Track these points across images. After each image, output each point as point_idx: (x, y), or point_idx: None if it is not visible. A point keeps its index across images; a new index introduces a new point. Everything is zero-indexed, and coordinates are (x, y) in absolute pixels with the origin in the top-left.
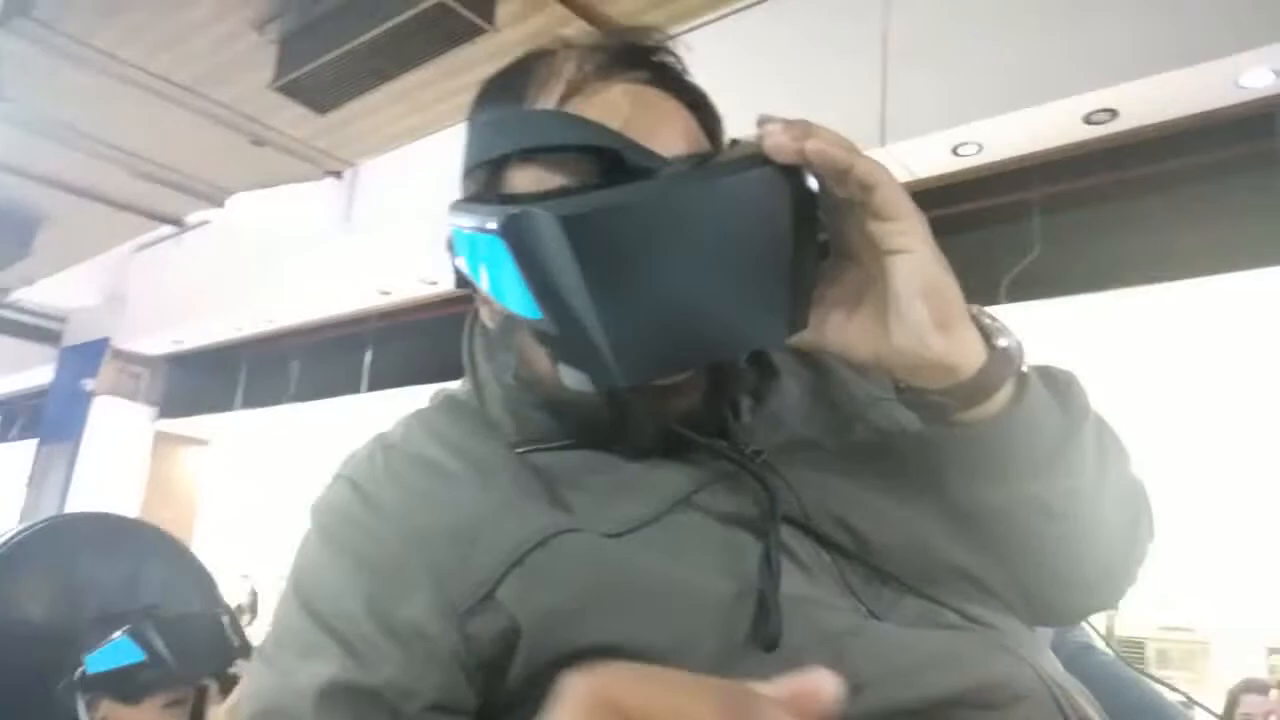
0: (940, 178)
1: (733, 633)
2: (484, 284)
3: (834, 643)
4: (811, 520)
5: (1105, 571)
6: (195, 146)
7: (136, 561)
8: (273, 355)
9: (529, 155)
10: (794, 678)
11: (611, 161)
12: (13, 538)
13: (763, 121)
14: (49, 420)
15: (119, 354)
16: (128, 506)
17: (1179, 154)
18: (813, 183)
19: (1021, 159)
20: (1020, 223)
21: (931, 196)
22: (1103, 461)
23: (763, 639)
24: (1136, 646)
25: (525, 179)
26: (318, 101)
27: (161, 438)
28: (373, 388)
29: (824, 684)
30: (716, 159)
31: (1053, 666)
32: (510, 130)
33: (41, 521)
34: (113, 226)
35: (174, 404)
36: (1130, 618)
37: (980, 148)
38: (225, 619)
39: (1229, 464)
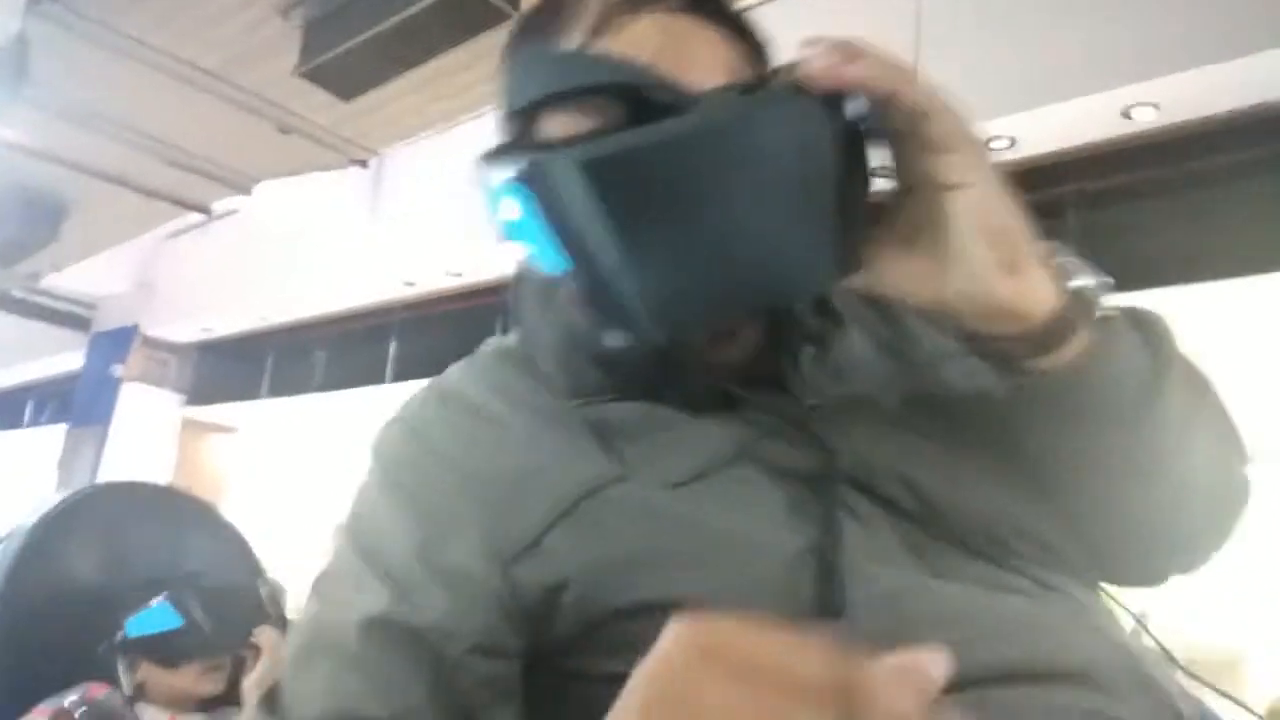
0: None
1: (795, 592)
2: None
3: (895, 604)
4: (874, 478)
5: (1194, 530)
6: (222, 133)
7: (181, 530)
8: (298, 345)
9: (559, 100)
10: (906, 653)
11: (637, 101)
12: (66, 500)
13: (806, 44)
14: (79, 405)
15: (148, 341)
16: None
17: (1221, 150)
18: (858, 109)
19: (1058, 154)
20: (1055, 220)
21: None
22: (1194, 410)
23: (826, 605)
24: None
25: (555, 125)
26: (343, 88)
27: (189, 424)
28: (397, 379)
29: (935, 662)
30: (751, 90)
31: (1127, 638)
32: (537, 74)
33: (92, 487)
34: (140, 213)
35: (202, 391)
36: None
37: (1013, 142)
38: (264, 591)
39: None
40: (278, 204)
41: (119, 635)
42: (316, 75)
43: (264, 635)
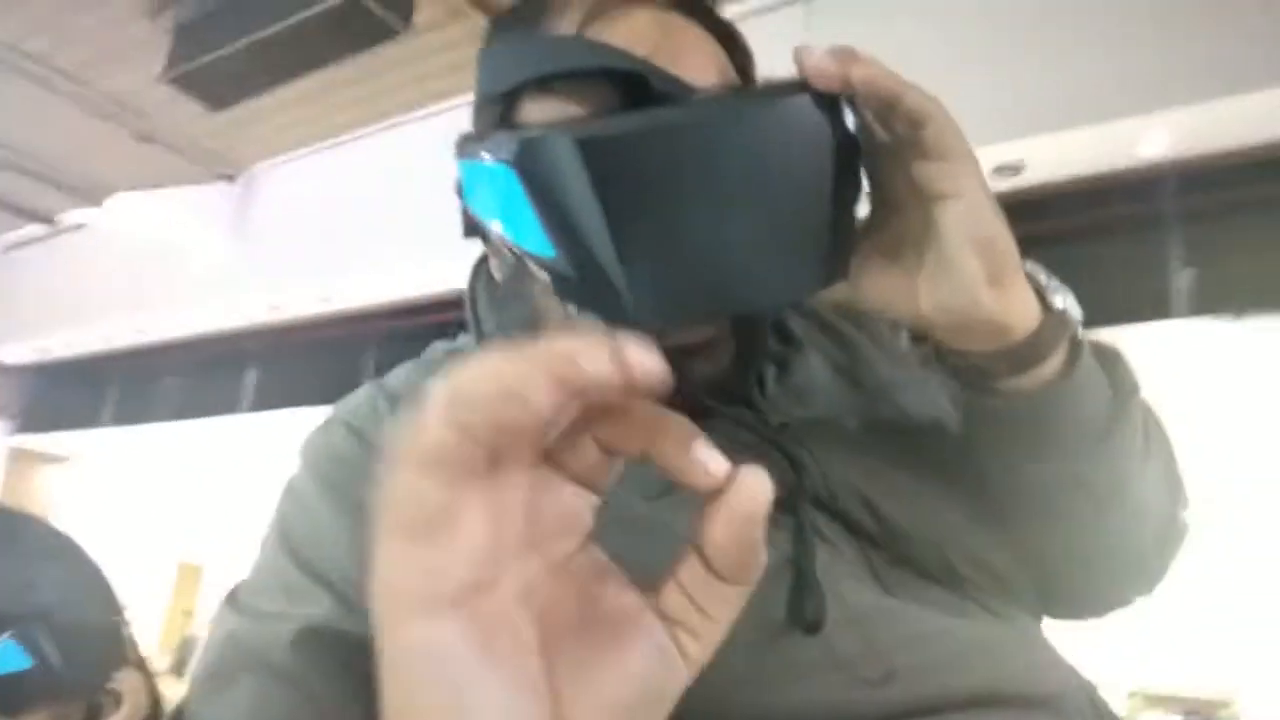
0: None
1: (768, 607)
2: (494, 226)
3: (864, 624)
4: (838, 499)
5: (1141, 561)
6: (73, 138)
7: (28, 561)
8: (147, 369)
9: (545, 85)
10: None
11: (637, 89)
12: None
13: (801, 49)
14: None
15: None
16: None
17: (1079, 211)
18: (852, 117)
19: None
20: None
21: None
22: (1148, 444)
23: (801, 621)
24: None
25: (541, 110)
26: (212, 97)
27: (18, 454)
28: (256, 408)
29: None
30: (751, 89)
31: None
32: (525, 58)
33: None
34: None
35: (35, 419)
36: None
37: None
38: (124, 629)
39: None
40: (131, 217)
41: None
42: (184, 82)
43: (127, 680)
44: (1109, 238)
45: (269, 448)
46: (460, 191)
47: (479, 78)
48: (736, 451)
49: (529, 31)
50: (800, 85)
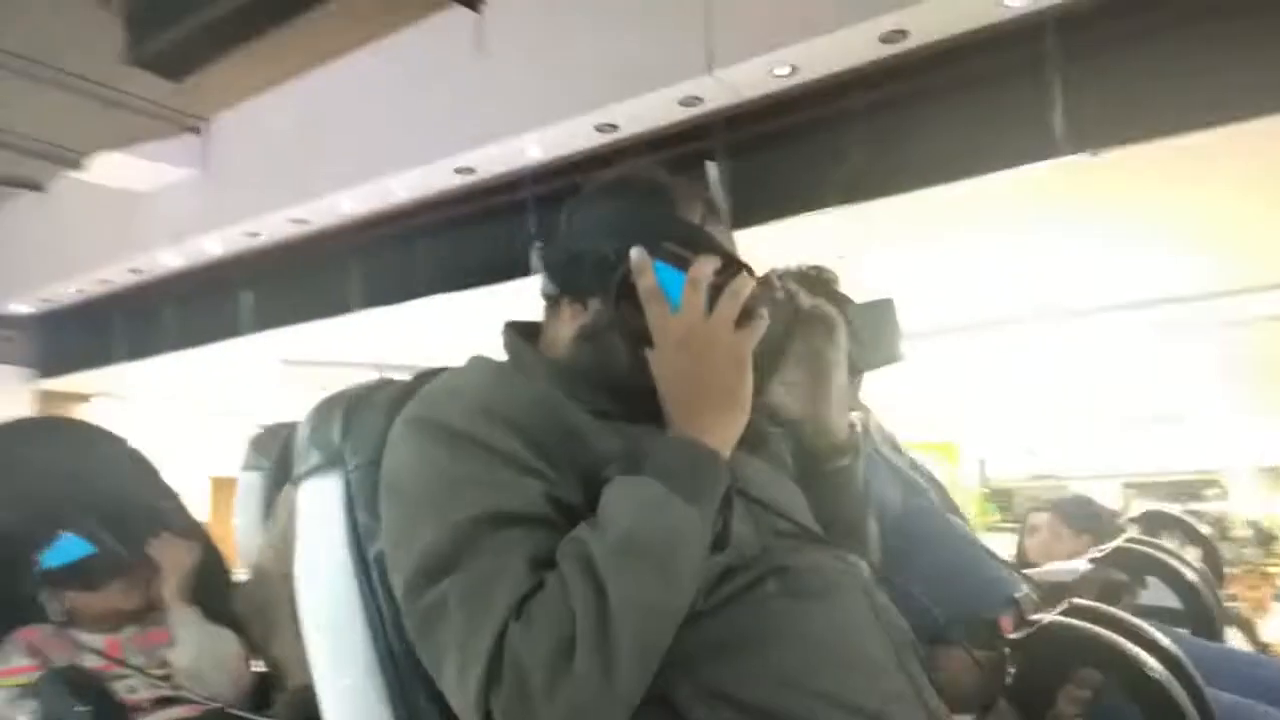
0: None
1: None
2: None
3: (749, 542)
4: (749, 491)
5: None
6: (47, 113)
7: (81, 457)
8: (146, 305)
9: (686, 242)
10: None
11: (736, 267)
12: None
13: (786, 285)
14: None
15: None
16: None
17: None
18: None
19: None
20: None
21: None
22: (874, 518)
23: (719, 541)
24: (1006, 495)
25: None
26: (171, 71)
27: (47, 396)
28: (256, 328)
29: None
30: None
31: (877, 593)
32: (673, 223)
33: None
34: None
35: (53, 363)
36: (1000, 470)
37: (793, 69)
38: (167, 504)
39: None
40: (111, 170)
41: (37, 570)
42: (143, 61)
43: (164, 546)
44: (987, 88)
45: (268, 363)
46: (572, 267)
47: (624, 211)
48: None
49: (670, 206)
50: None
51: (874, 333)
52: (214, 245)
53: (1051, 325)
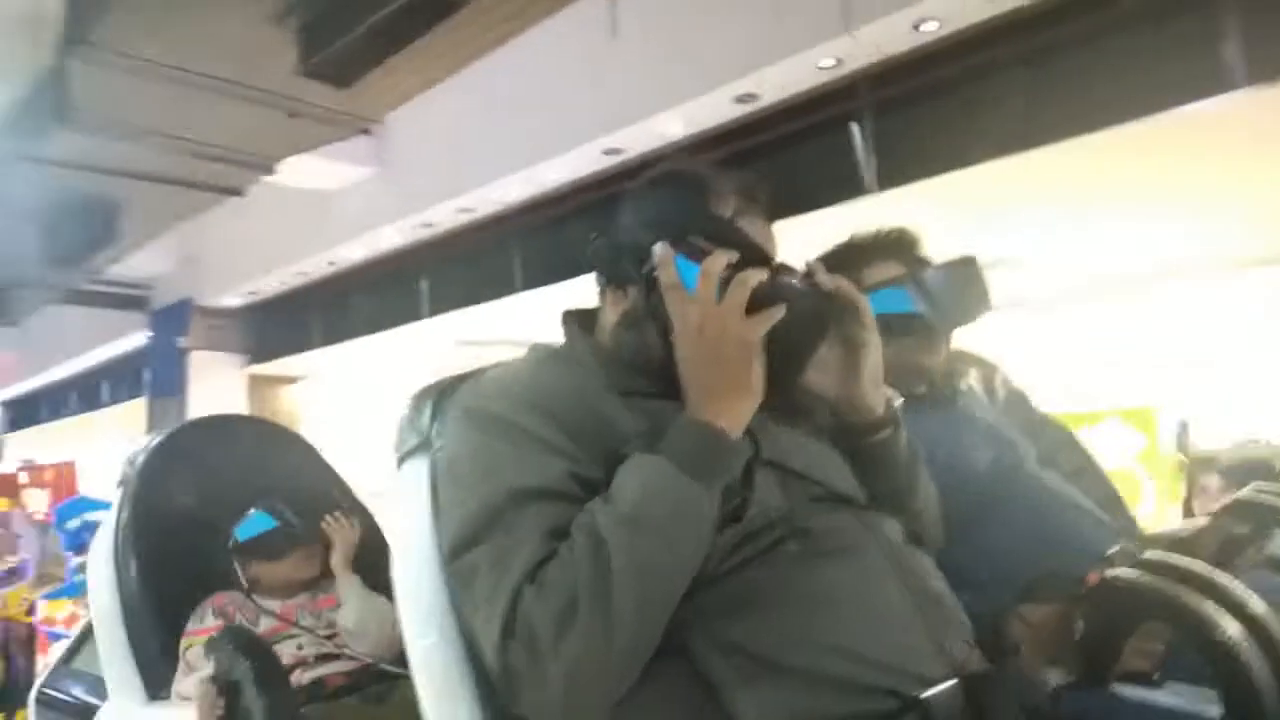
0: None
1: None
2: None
3: (781, 507)
4: (781, 461)
5: (933, 540)
6: (240, 126)
7: (262, 448)
8: (338, 294)
9: (712, 235)
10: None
11: (762, 263)
12: (156, 443)
13: (812, 270)
14: (154, 377)
15: (203, 311)
16: None
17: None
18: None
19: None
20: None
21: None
22: (927, 483)
23: (737, 513)
24: (1209, 462)
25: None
26: (338, 80)
27: (257, 380)
28: (433, 313)
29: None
30: (802, 281)
31: (903, 551)
32: (705, 220)
33: (179, 425)
34: (183, 203)
35: (260, 349)
36: (1208, 436)
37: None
38: (335, 488)
39: None
40: (300, 173)
41: (231, 542)
42: (313, 73)
43: (333, 524)
44: (1148, 22)
45: (445, 344)
46: (645, 262)
47: (662, 200)
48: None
49: (702, 201)
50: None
51: (956, 292)
52: (393, 237)
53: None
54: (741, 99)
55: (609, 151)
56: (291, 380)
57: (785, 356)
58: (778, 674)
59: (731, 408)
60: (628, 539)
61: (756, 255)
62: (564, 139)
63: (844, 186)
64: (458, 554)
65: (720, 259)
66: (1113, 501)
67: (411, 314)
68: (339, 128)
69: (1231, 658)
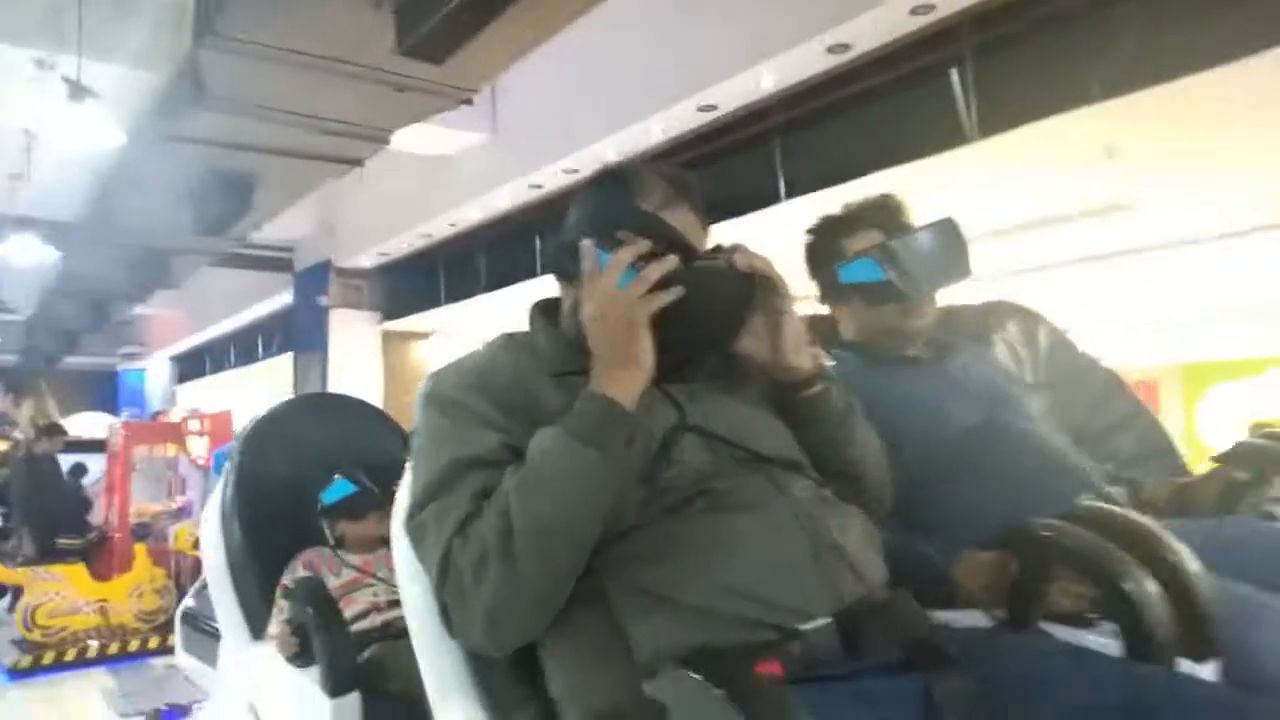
0: None
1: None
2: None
3: (705, 468)
4: (705, 427)
5: (875, 492)
6: (354, 102)
7: (346, 423)
8: (462, 254)
9: (639, 230)
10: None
11: (681, 249)
12: (257, 419)
13: (733, 249)
14: (298, 333)
15: (340, 271)
16: (372, 397)
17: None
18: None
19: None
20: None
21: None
22: (866, 434)
23: (656, 469)
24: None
25: (630, 243)
26: (434, 56)
27: (390, 336)
28: (545, 270)
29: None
30: (717, 259)
31: (811, 506)
32: (630, 214)
33: (280, 403)
34: (310, 174)
35: (392, 307)
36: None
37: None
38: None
39: None
40: (417, 141)
41: (319, 505)
42: (410, 52)
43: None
44: None
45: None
46: (559, 255)
47: (592, 203)
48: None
49: (629, 198)
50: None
51: (929, 258)
52: (504, 199)
53: None
54: (834, 49)
55: (703, 108)
56: (422, 335)
57: (714, 328)
58: (673, 609)
59: (621, 380)
60: (525, 498)
61: (677, 242)
62: (658, 98)
63: (943, 136)
64: (413, 515)
65: (627, 252)
66: (1161, 449)
67: (528, 271)
68: (442, 99)
69: (1131, 605)
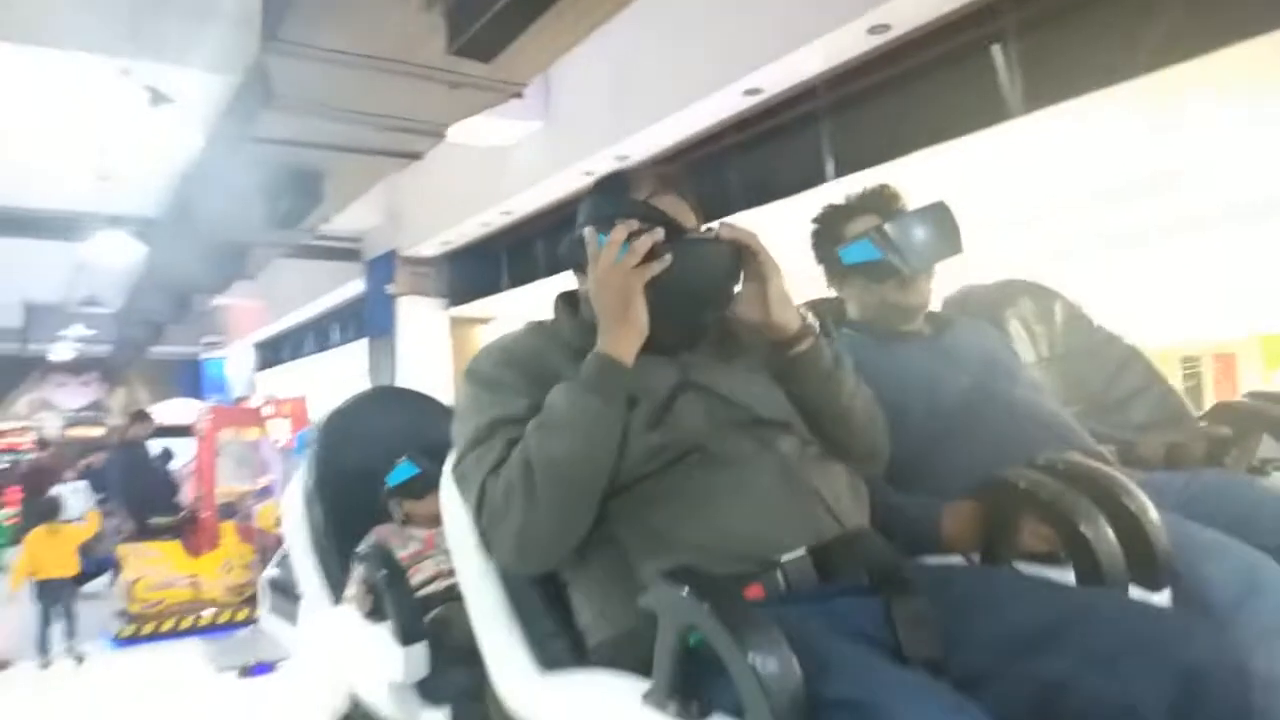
0: None
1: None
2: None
3: (703, 432)
4: (705, 385)
5: (868, 442)
6: (412, 100)
7: (408, 414)
8: (521, 241)
9: (631, 215)
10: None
11: (670, 229)
12: (332, 411)
13: (720, 226)
14: (369, 321)
15: (406, 260)
16: (441, 380)
17: None
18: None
19: None
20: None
21: None
22: (855, 387)
23: (653, 422)
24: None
25: (629, 228)
26: (484, 55)
27: (456, 321)
28: (562, 266)
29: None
30: (705, 235)
31: (795, 460)
32: (624, 204)
33: (348, 399)
34: (373, 169)
35: (458, 293)
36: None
37: None
38: None
39: None
40: (474, 133)
41: (385, 487)
42: (461, 51)
43: None
44: None
45: None
46: (571, 249)
47: (592, 203)
48: (654, 354)
49: (624, 191)
50: (718, 238)
51: (922, 237)
52: (557, 187)
53: None
54: (874, 30)
55: (749, 92)
56: (485, 321)
57: (704, 293)
58: (670, 545)
59: (620, 339)
60: (541, 440)
61: (666, 223)
62: (704, 83)
63: (986, 112)
64: (457, 464)
65: (619, 230)
66: (1175, 415)
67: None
68: (493, 94)
69: (1085, 542)
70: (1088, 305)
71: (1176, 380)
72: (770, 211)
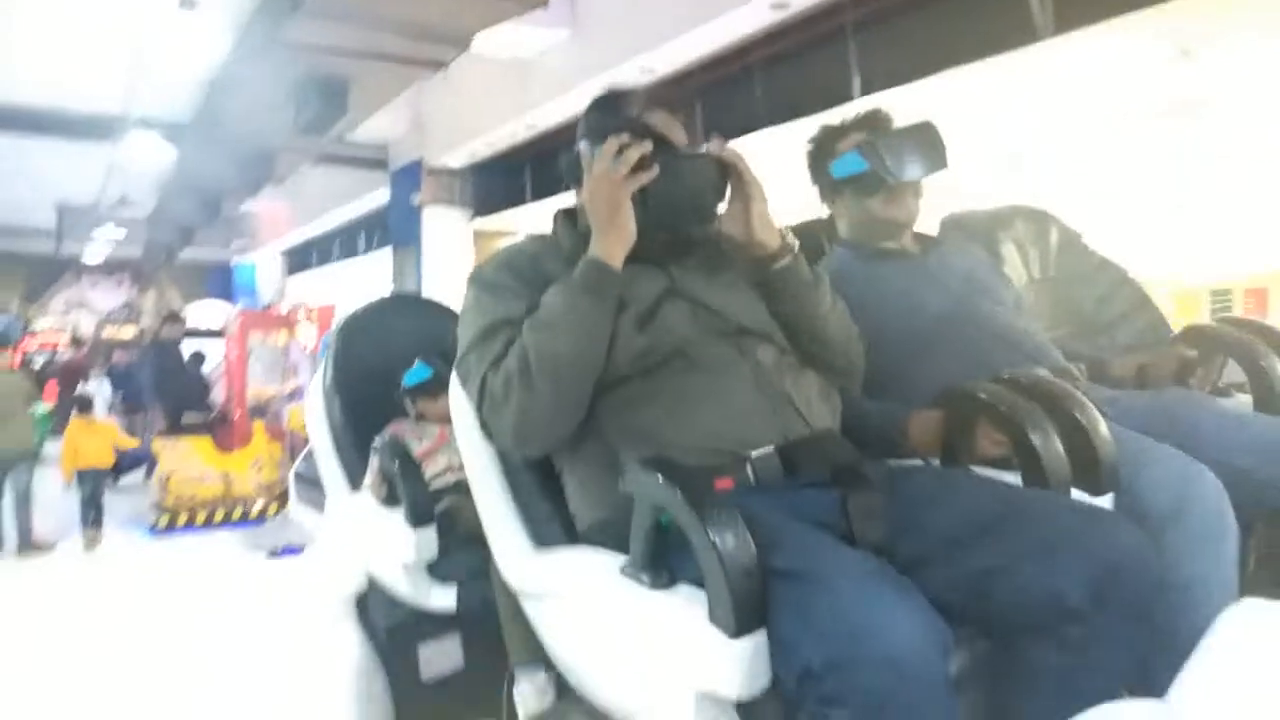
0: None
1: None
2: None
3: (686, 334)
4: (690, 293)
5: (843, 356)
6: (438, 6)
7: (423, 319)
8: (545, 154)
9: (623, 130)
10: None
11: (659, 141)
12: (349, 315)
13: (712, 140)
14: (394, 231)
15: (432, 170)
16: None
17: None
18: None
19: None
20: None
21: None
22: (831, 304)
23: (643, 322)
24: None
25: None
26: None
27: (480, 235)
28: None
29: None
30: (693, 151)
31: (770, 367)
32: (617, 119)
33: (369, 302)
34: (399, 77)
35: (483, 205)
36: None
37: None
38: None
39: None
40: (498, 43)
41: (402, 386)
42: None
43: None
44: None
45: None
46: (570, 166)
47: (588, 121)
48: (645, 264)
49: (617, 109)
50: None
51: (909, 151)
52: (581, 100)
53: None
54: None
55: (776, 5)
56: (510, 234)
57: (691, 204)
58: (650, 440)
59: (609, 243)
60: (536, 334)
61: (656, 137)
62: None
63: (1015, 34)
64: (460, 362)
65: (611, 143)
66: (1161, 339)
67: None
68: (518, 2)
69: (1030, 452)
70: (1117, 238)
71: (1205, 314)
72: (798, 128)
